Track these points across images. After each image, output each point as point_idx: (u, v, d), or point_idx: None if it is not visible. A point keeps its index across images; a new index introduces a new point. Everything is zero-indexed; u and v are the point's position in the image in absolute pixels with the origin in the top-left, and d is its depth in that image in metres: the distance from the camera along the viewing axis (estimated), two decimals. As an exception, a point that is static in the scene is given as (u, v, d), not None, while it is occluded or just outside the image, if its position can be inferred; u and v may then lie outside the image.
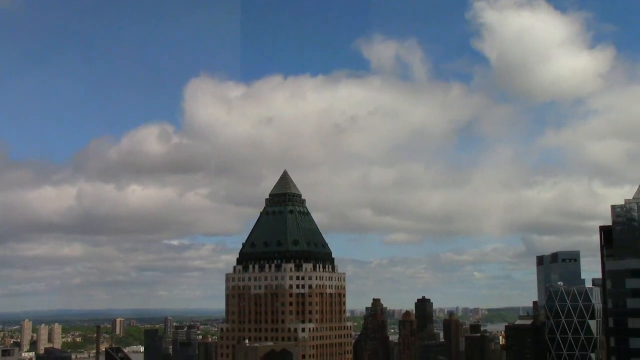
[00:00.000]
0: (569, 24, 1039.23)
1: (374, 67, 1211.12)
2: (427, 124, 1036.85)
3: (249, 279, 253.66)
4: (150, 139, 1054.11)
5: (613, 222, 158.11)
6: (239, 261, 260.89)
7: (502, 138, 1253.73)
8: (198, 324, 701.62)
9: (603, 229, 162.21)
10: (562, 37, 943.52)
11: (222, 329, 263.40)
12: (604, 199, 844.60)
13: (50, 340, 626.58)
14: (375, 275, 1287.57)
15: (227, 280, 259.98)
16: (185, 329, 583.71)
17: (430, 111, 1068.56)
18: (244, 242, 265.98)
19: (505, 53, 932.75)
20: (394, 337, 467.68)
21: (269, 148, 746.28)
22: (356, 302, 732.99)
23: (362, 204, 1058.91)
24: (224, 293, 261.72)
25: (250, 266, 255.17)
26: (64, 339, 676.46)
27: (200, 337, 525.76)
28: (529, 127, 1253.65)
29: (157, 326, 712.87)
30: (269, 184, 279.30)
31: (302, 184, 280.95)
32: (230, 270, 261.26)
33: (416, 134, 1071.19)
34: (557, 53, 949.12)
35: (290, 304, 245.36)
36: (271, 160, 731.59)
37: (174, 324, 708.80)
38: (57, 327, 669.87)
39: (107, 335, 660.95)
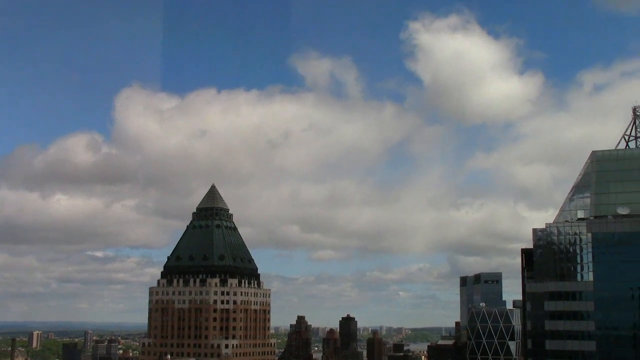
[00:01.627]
0: (501, 50, 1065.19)
1: (308, 84, 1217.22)
2: (359, 142, 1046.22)
3: (173, 293, 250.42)
4: (78, 148, 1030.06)
5: (534, 245, 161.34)
6: (163, 275, 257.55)
7: (432, 158, 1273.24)
8: (119, 338, 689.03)
9: (524, 252, 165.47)
10: (494, 62, 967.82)
11: (144, 344, 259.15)
12: (529, 222, 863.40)
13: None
14: (301, 292, 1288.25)
15: (150, 293, 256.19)
16: (106, 343, 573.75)
17: (363, 129, 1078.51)
18: (169, 255, 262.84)
19: (438, 75, 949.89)
20: (317, 355, 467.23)
21: (200, 161, 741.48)
22: (281, 319, 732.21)
23: (290, 220, 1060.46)
24: (147, 307, 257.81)
25: (175, 280, 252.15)
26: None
27: (121, 351, 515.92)
28: (459, 148, 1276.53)
29: (77, 340, 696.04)
30: (198, 197, 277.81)
31: (232, 198, 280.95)
32: (155, 284, 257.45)
33: (348, 152, 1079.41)
34: (489, 77, 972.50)
35: (214, 319, 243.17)
36: (202, 174, 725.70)
37: (94, 337, 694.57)
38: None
39: (23, 349, 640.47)
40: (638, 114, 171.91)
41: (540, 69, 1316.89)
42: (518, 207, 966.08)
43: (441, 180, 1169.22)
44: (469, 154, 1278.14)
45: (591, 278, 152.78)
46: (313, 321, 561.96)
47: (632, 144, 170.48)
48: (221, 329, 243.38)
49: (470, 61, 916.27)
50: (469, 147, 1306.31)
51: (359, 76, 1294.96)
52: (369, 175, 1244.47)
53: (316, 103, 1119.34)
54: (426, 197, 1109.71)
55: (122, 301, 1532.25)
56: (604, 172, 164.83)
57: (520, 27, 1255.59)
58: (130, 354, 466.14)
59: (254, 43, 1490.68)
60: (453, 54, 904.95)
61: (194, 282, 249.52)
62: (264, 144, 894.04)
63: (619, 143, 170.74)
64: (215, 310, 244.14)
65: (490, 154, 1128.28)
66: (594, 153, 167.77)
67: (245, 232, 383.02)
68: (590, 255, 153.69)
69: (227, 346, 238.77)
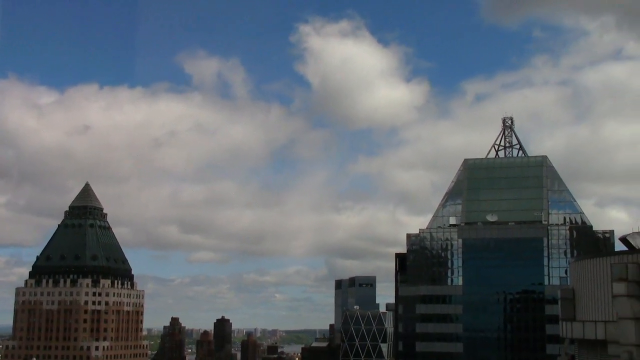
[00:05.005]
0: (389, 57, 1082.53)
1: (195, 83, 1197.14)
2: (244, 143, 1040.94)
3: (42, 293, 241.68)
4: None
5: (408, 249, 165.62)
6: (31, 274, 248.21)
7: (316, 162, 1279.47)
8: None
9: (398, 256, 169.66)
10: (382, 69, 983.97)
11: (7, 347, 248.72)
12: (407, 227, 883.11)
13: None
14: (176, 293, 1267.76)
15: (17, 294, 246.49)
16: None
17: (249, 131, 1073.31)
18: (39, 254, 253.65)
19: (327, 79, 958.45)
20: (191, 357, 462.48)
21: (78, 158, 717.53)
22: (155, 321, 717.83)
23: (169, 221, 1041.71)
24: (13, 308, 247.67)
25: (44, 280, 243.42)
26: None
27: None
28: (344, 152, 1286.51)
29: None
30: (74, 195, 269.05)
31: (109, 197, 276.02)
32: (22, 284, 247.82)
33: (232, 153, 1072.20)
34: (377, 83, 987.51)
35: (85, 321, 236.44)
36: (79, 171, 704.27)
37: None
38: None
39: None
40: (507, 124, 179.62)
41: (427, 77, 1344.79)
42: (397, 211, 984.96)
43: (324, 183, 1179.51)
44: (352, 158, 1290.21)
45: (461, 282, 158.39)
46: (188, 323, 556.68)
47: (501, 153, 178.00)
48: (92, 330, 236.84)
49: (358, 67, 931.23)
50: (353, 152, 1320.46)
51: (247, 77, 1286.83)
52: (252, 177, 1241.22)
53: (202, 103, 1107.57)
54: (308, 200, 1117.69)
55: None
56: (475, 179, 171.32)
57: (409, 36, 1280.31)
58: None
59: (139, 39, 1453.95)
60: (342, 59, 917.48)
61: (65, 282, 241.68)
62: (146, 142, 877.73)
63: (489, 152, 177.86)
64: (86, 312, 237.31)
65: (373, 158, 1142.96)
66: (465, 161, 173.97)
67: (121, 232, 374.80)
68: (460, 261, 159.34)
69: (97, 348, 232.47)
